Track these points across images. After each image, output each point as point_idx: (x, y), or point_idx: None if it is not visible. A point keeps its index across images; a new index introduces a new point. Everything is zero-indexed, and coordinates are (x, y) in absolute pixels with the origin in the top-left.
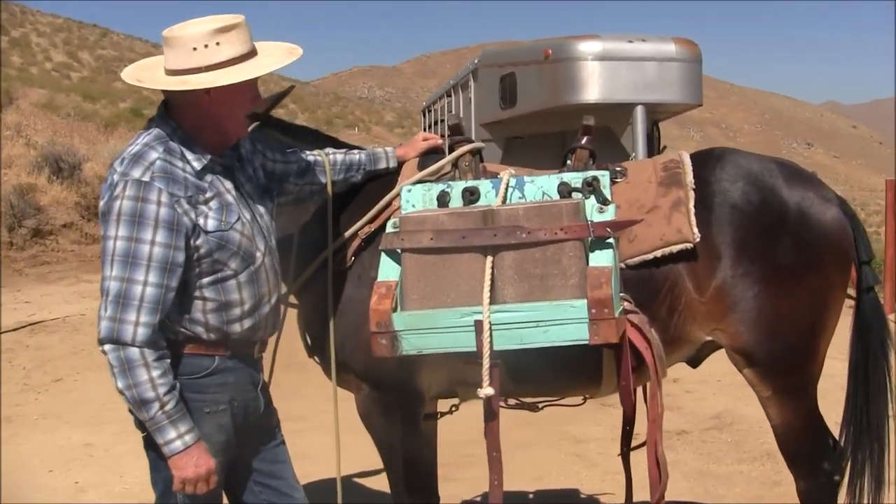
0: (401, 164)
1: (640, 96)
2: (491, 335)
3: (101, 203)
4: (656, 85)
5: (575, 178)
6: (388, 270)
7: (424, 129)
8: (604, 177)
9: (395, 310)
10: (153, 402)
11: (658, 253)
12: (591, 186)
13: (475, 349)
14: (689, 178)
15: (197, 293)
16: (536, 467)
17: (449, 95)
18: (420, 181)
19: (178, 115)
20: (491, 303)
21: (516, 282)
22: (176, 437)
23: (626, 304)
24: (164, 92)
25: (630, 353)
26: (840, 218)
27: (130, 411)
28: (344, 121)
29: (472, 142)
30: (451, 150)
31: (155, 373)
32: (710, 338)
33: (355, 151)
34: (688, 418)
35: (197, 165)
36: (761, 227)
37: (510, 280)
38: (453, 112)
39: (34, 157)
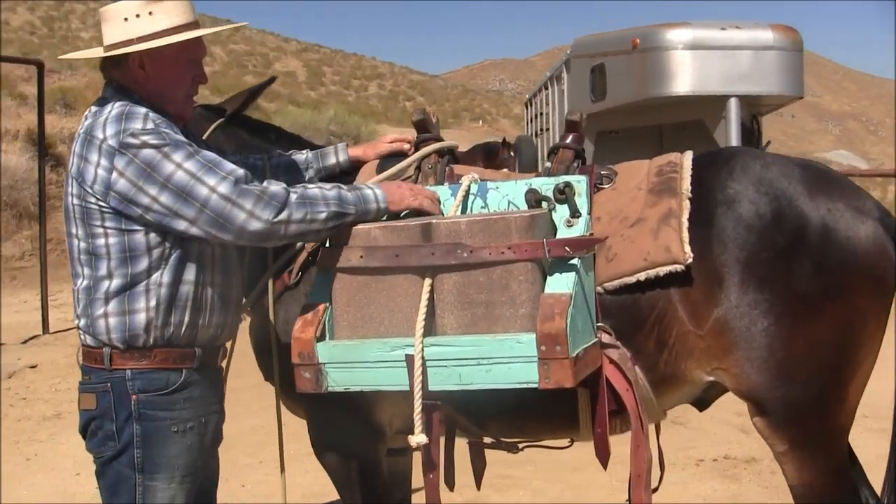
0: (355, 163)
1: (734, 87)
2: (424, 372)
3: (108, 182)
4: (752, 75)
5: (546, 185)
6: (319, 292)
7: (526, 123)
8: (579, 183)
9: (321, 338)
10: (334, 192)
11: (641, 276)
12: (564, 194)
13: (408, 388)
14: (686, 184)
15: (169, 276)
16: (582, 494)
17: (546, 88)
18: None
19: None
20: (428, 333)
21: (458, 309)
22: (369, 189)
23: (604, 335)
24: (104, 73)
25: (610, 395)
26: (878, 235)
27: None
28: (471, 114)
29: (440, 140)
30: (417, 149)
31: (312, 187)
32: (711, 378)
33: (303, 151)
34: (760, 444)
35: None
36: (774, 246)
37: (451, 307)
38: (550, 106)
39: None
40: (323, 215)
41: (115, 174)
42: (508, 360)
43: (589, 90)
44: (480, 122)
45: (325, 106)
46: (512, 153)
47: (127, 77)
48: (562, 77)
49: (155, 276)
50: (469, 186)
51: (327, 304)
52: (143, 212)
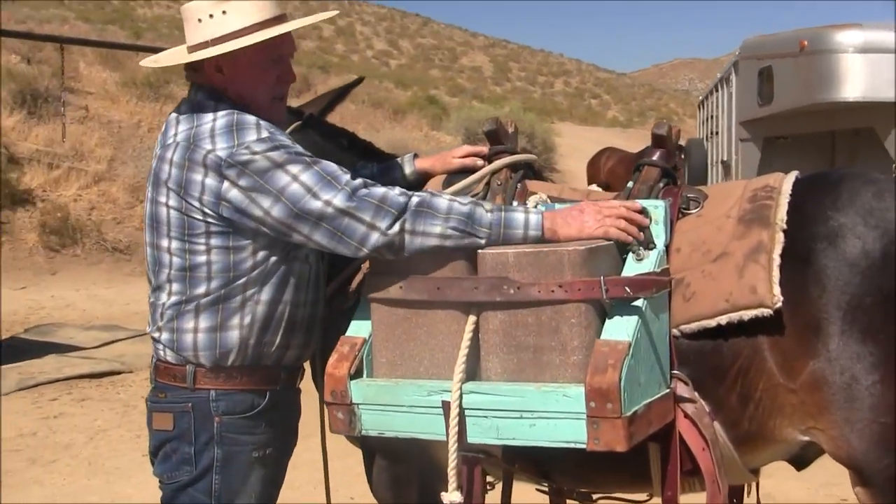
0: (423, 176)
1: None
2: (462, 422)
3: (219, 192)
4: None
5: None
6: (360, 323)
7: (698, 125)
8: (656, 209)
9: (355, 376)
10: (467, 208)
11: (722, 319)
12: None
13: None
14: (781, 213)
15: (268, 295)
16: None
17: (717, 90)
18: None
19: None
20: (471, 378)
21: (503, 352)
22: (521, 213)
23: (679, 385)
24: (188, 77)
25: (684, 453)
26: None
27: None
28: (657, 113)
29: (514, 153)
30: (490, 163)
31: (444, 196)
32: (806, 438)
33: (373, 164)
34: None
35: None
36: (882, 291)
37: (496, 349)
38: (719, 109)
39: None
40: (437, 229)
41: (226, 183)
42: (554, 416)
43: (756, 94)
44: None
45: (507, 102)
46: (682, 156)
47: (210, 81)
48: (730, 79)
49: (252, 292)
50: (535, 207)
51: (366, 338)
52: (257, 224)
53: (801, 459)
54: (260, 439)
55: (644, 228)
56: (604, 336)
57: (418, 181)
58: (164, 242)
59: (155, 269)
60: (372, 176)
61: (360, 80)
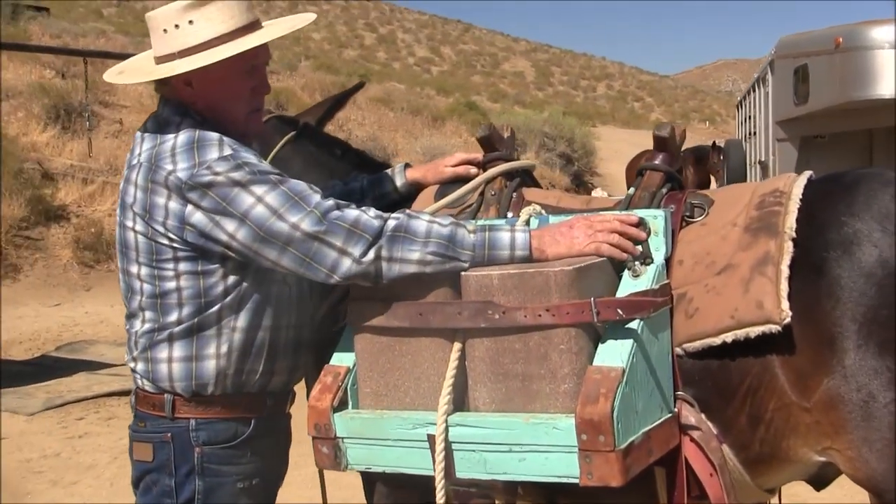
0: (415, 186)
1: None
2: (449, 456)
3: (183, 215)
4: None
5: None
6: (344, 350)
7: (737, 126)
8: (656, 219)
9: (340, 407)
10: (448, 230)
11: (727, 337)
12: None
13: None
14: (790, 221)
15: (244, 321)
16: None
17: (755, 90)
18: None
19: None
20: (459, 408)
21: (490, 381)
22: (507, 231)
23: (684, 407)
24: (157, 90)
25: (691, 479)
26: None
27: None
28: (700, 115)
29: (509, 160)
30: (485, 171)
31: (422, 217)
32: (822, 458)
33: (363, 177)
34: None
35: None
36: None
37: (483, 378)
38: (756, 109)
39: None
40: (415, 255)
41: (190, 207)
42: (545, 449)
43: (792, 93)
44: (707, 123)
45: (549, 107)
46: (720, 157)
47: (178, 95)
48: (767, 79)
49: (228, 320)
50: (528, 220)
51: (350, 367)
52: (224, 248)
53: (820, 479)
54: (245, 469)
55: (641, 241)
56: (596, 362)
57: (410, 192)
58: (134, 268)
59: (128, 295)
60: (362, 189)
61: (360, 86)
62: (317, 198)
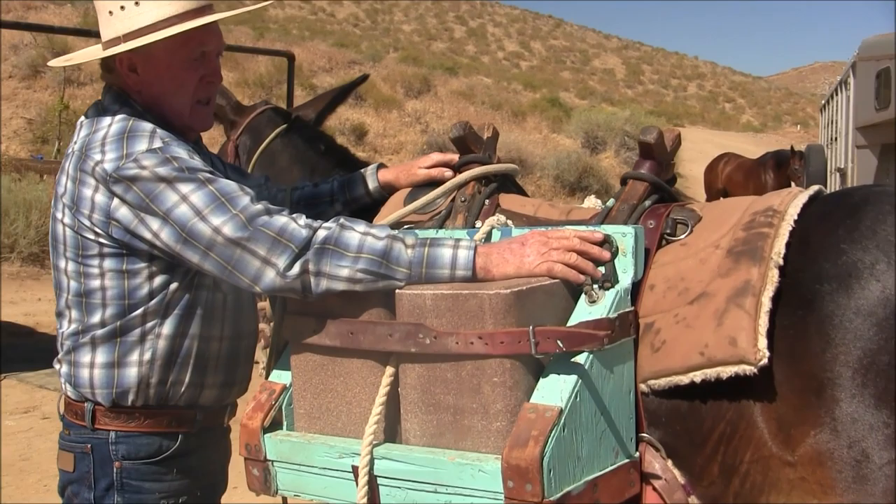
0: (387, 189)
1: None
2: (374, 491)
3: (108, 209)
4: None
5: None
6: (283, 367)
7: (820, 130)
8: (625, 237)
9: (272, 427)
10: (382, 244)
11: (696, 376)
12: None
13: None
14: (779, 245)
15: (170, 328)
16: None
17: (837, 93)
18: (394, 224)
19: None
20: (391, 439)
21: (421, 412)
22: (449, 248)
23: (649, 451)
24: (103, 77)
25: None
26: None
27: None
28: (793, 118)
29: (486, 163)
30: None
31: (357, 229)
32: None
33: (334, 178)
34: None
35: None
36: None
37: (415, 407)
38: (839, 113)
39: (421, 143)
40: (344, 272)
41: (115, 200)
42: (470, 493)
43: (873, 97)
44: (798, 126)
45: (636, 105)
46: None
47: (121, 83)
48: (848, 82)
49: (152, 325)
50: (490, 233)
51: (287, 385)
52: (148, 247)
53: None
54: (171, 487)
55: (604, 262)
56: (534, 399)
57: (383, 196)
58: (62, 263)
59: (57, 292)
60: (332, 191)
61: (364, 78)
62: (245, 200)
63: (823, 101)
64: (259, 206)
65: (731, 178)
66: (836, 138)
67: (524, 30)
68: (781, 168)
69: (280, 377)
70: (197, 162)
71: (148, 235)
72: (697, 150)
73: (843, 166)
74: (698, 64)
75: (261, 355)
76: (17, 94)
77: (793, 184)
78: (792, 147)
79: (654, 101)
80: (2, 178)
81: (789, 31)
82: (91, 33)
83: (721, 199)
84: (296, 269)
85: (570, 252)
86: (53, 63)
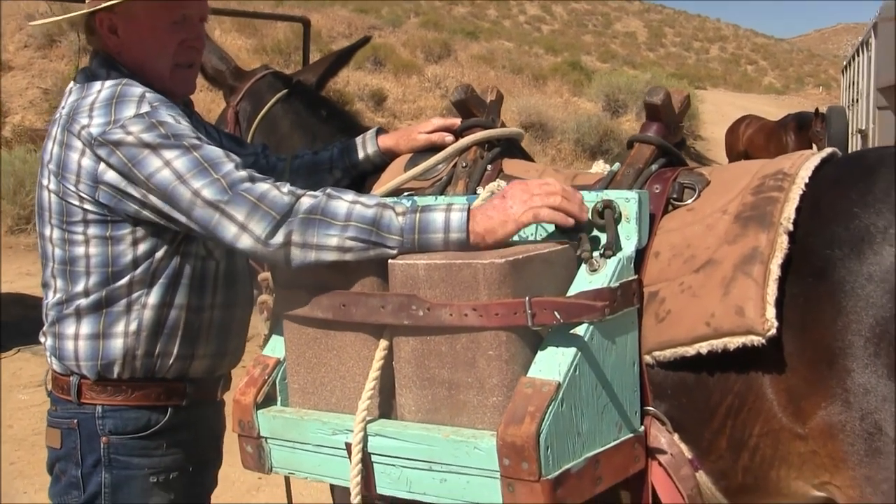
0: (388, 155)
1: None
2: (369, 469)
3: (96, 174)
4: None
5: (585, 202)
6: (276, 340)
7: (842, 92)
8: (628, 202)
9: (265, 403)
10: (371, 211)
11: (702, 347)
12: (603, 218)
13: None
14: (788, 210)
15: (156, 297)
16: None
17: (859, 54)
18: (394, 191)
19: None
20: (385, 415)
21: (416, 387)
22: (441, 212)
23: (655, 425)
24: (87, 41)
25: None
26: None
27: None
28: (815, 80)
29: (489, 127)
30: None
31: (344, 198)
32: (822, 494)
33: (335, 145)
34: None
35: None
36: None
37: (409, 382)
38: (860, 74)
39: (442, 108)
40: (333, 241)
41: (102, 165)
42: (465, 471)
43: (894, 58)
44: (821, 88)
45: (659, 68)
46: (823, 125)
47: (105, 46)
48: (870, 43)
49: (138, 295)
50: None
51: (280, 359)
52: (137, 209)
53: None
54: (161, 462)
55: (608, 227)
56: (530, 373)
57: (383, 161)
58: (47, 231)
59: (42, 262)
60: (331, 158)
61: (366, 40)
62: (229, 167)
63: (845, 63)
64: (243, 173)
65: (752, 141)
66: (857, 100)
67: None
68: (803, 130)
69: (273, 351)
70: (184, 128)
71: (137, 196)
72: (719, 113)
73: (864, 128)
74: (720, 26)
75: (263, 327)
76: (33, 63)
77: (814, 146)
78: (817, 109)
79: (676, 64)
80: (17, 150)
81: None
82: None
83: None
84: (279, 237)
85: (553, 195)
86: (35, 23)
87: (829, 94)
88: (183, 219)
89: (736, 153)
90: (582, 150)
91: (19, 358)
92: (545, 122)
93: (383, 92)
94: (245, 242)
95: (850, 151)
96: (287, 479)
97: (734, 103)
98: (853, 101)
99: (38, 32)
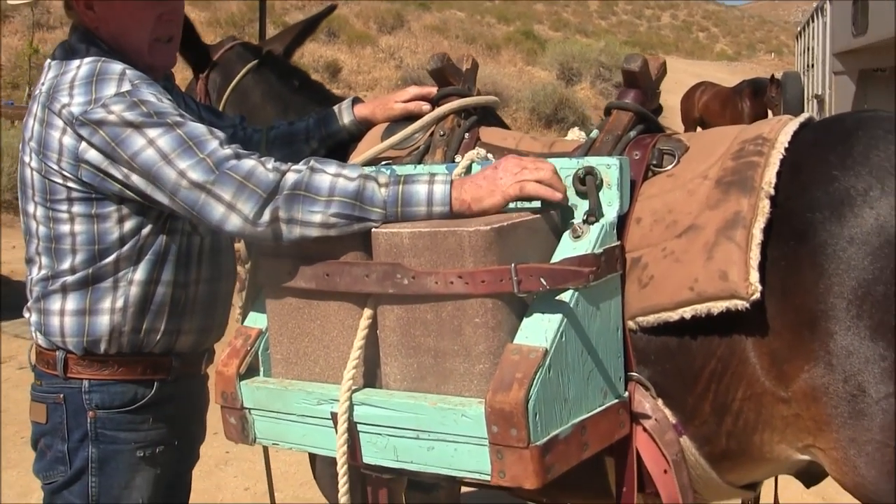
0: (364, 124)
1: None
2: (355, 438)
3: (77, 152)
4: None
5: (565, 170)
6: (258, 311)
7: (796, 57)
8: (609, 168)
9: (248, 374)
10: (354, 185)
11: (686, 312)
12: (585, 185)
13: None
14: (769, 175)
15: (143, 274)
16: None
17: (814, 19)
18: (371, 160)
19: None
20: (371, 384)
21: (402, 356)
22: (424, 184)
23: (639, 391)
24: (67, 15)
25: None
26: None
27: None
28: (767, 46)
29: (465, 96)
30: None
31: (327, 170)
32: (805, 457)
33: (310, 116)
34: None
35: None
36: None
37: (394, 350)
38: (815, 40)
39: (397, 79)
40: (317, 217)
41: (83, 144)
42: (453, 439)
43: (850, 23)
44: (772, 54)
45: (610, 36)
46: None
47: (82, 21)
48: (825, 7)
49: (125, 272)
50: (470, 167)
51: (263, 330)
52: (120, 188)
53: (809, 475)
54: (147, 436)
55: (590, 194)
56: (517, 340)
57: (360, 130)
58: (31, 208)
59: (26, 238)
60: (307, 128)
61: (332, 9)
62: (214, 144)
63: (799, 28)
64: (228, 151)
65: (707, 107)
66: (812, 65)
67: None
68: (758, 96)
69: (255, 321)
70: (166, 105)
71: (119, 176)
72: (673, 80)
73: (820, 93)
74: None
75: (237, 299)
76: None
77: (770, 112)
78: (773, 75)
79: (629, 32)
80: None
81: None
82: None
83: (698, 128)
84: (266, 216)
85: (542, 170)
86: (11, 1)
87: (781, 60)
88: (166, 200)
89: (691, 120)
90: (537, 118)
91: None
92: (500, 91)
93: (338, 63)
94: (233, 223)
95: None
96: (266, 452)
97: (687, 70)
98: (808, 66)
99: None
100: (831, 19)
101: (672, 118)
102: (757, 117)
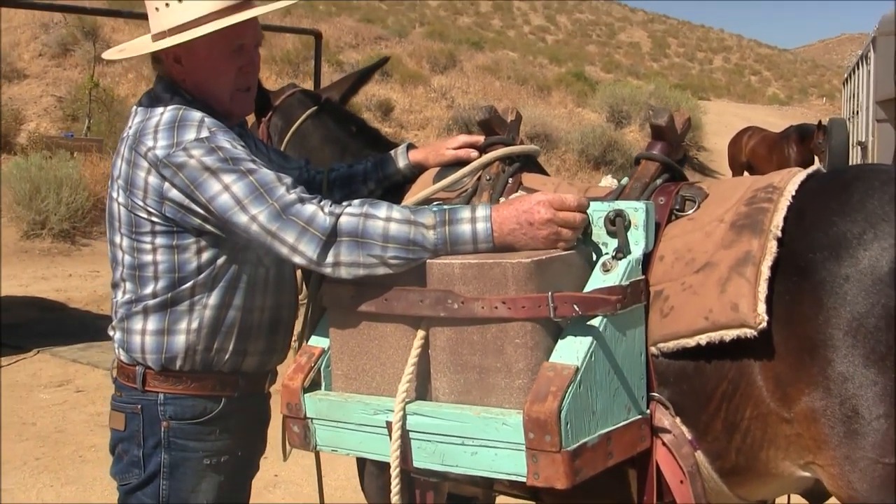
0: (418, 169)
1: None
2: (406, 445)
3: (161, 190)
4: None
5: (598, 212)
6: (322, 332)
7: (843, 103)
8: (637, 212)
9: (311, 388)
10: (405, 230)
11: (701, 339)
12: (615, 226)
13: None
14: (777, 219)
15: (216, 299)
16: None
17: (859, 67)
18: (424, 200)
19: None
20: (422, 397)
21: (450, 372)
22: (467, 223)
23: (659, 409)
24: (154, 67)
25: (663, 484)
26: None
27: None
28: (819, 90)
29: (509, 144)
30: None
31: (378, 216)
32: (807, 474)
33: (368, 159)
34: None
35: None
36: (890, 309)
37: (444, 368)
38: (860, 87)
39: (448, 118)
40: (378, 260)
41: (167, 183)
42: (494, 445)
43: (893, 71)
44: (824, 99)
45: (662, 79)
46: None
47: (170, 72)
48: (869, 56)
49: (200, 297)
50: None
51: (325, 349)
52: (200, 222)
53: (816, 495)
54: (214, 446)
55: (619, 233)
56: (552, 358)
57: (414, 174)
58: (118, 239)
59: (112, 265)
60: (365, 171)
61: (385, 60)
62: (281, 190)
63: (846, 75)
64: (292, 196)
65: (754, 152)
66: (857, 112)
67: (550, 4)
68: (805, 142)
69: (318, 341)
70: (240, 151)
71: (200, 212)
72: (723, 124)
73: (863, 140)
74: (724, 36)
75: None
76: (48, 72)
77: (816, 158)
78: (819, 122)
79: (680, 75)
80: (33, 157)
81: (816, 1)
82: (119, 13)
83: (745, 172)
84: (329, 258)
85: (564, 220)
86: (107, 56)
87: (832, 104)
88: (242, 236)
89: (738, 164)
90: (586, 160)
91: (38, 359)
92: (550, 132)
93: (390, 102)
94: (298, 261)
95: (850, 164)
96: (318, 463)
97: (738, 114)
98: (854, 112)
99: (53, 42)
100: (875, 67)
101: (720, 161)
102: (803, 163)
